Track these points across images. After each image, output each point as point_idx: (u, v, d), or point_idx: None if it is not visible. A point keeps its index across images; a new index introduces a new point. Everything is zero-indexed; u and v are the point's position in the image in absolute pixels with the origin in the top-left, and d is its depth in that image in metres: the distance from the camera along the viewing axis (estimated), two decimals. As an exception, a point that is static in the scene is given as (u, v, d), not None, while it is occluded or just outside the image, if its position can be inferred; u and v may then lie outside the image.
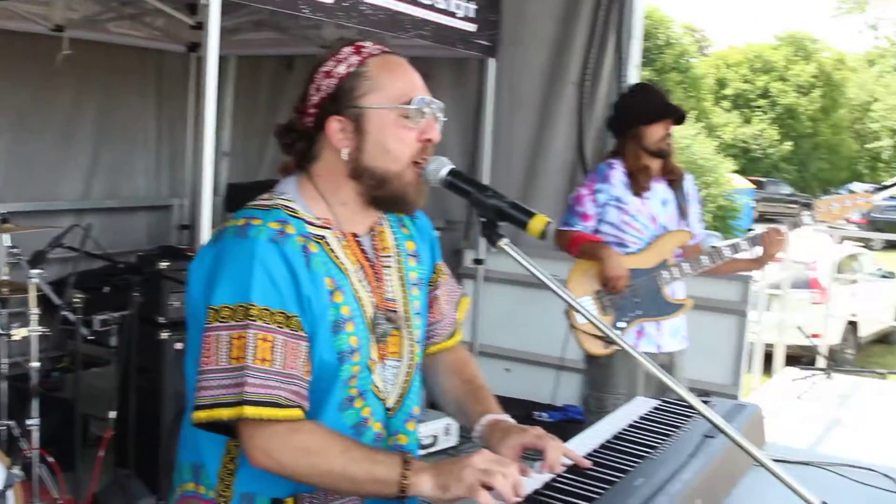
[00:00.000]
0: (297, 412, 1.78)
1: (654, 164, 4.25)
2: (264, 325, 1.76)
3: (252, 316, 1.75)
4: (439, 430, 5.54)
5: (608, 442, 2.05)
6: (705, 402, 2.29)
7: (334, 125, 1.88)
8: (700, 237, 4.42)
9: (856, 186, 33.01)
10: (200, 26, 6.18)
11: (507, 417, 2.05)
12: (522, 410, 5.94)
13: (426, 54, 5.82)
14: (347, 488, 1.82)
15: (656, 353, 4.26)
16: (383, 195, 1.92)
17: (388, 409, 1.98)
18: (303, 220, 1.89)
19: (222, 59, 3.96)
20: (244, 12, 5.57)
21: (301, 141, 1.94)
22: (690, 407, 2.29)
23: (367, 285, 1.95)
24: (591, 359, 4.24)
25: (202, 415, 1.76)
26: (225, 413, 1.74)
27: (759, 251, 4.19)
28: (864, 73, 46.52)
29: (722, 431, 1.65)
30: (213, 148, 4.13)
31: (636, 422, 2.23)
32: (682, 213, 4.31)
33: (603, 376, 4.20)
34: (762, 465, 1.62)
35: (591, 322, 1.81)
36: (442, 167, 1.90)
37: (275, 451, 1.76)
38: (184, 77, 7.45)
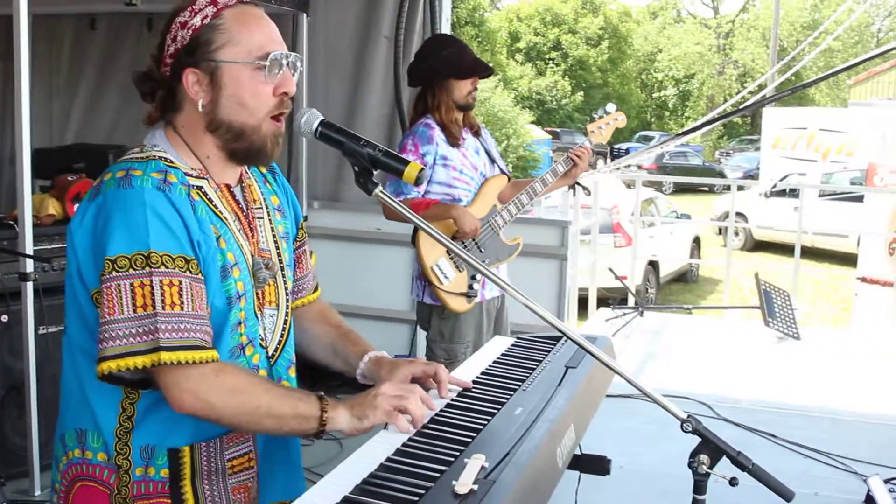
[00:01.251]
0: (215, 353, 1.81)
1: (460, 116, 4.36)
2: (167, 270, 1.76)
3: (154, 263, 1.75)
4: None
5: (478, 378, 2.15)
6: (558, 339, 2.44)
7: (190, 77, 1.89)
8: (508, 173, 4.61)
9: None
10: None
11: (385, 354, 2.14)
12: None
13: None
14: (269, 426, 1.85)
15: (497, 297, 4.44)
16: (240, 147, 1.94)
17: (269, 357, 2.02)
18: (180, 170, 1.89)
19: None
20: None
21: (161, 90, 1.93)
22: (546, 341, 2.44)
23: (244, 235, 1.98)
24: (436, 312, 4.33)
25: (111, 364, 1.74)
26: (139, 361, 1.74)
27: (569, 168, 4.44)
28: (648, 24, 48.49)
29: (597, 358, 1.78)
30: (28, 112, 3.99)
31: (499, 359, 2.33)
32: (491, 158, 4.48)
33: (451, 328, 4.30)
34: (634, 385, 1.76)
35: (477, 268, 1.90)
36: (314, 119, 1.94)
37: (203, 392, 1.77)
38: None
